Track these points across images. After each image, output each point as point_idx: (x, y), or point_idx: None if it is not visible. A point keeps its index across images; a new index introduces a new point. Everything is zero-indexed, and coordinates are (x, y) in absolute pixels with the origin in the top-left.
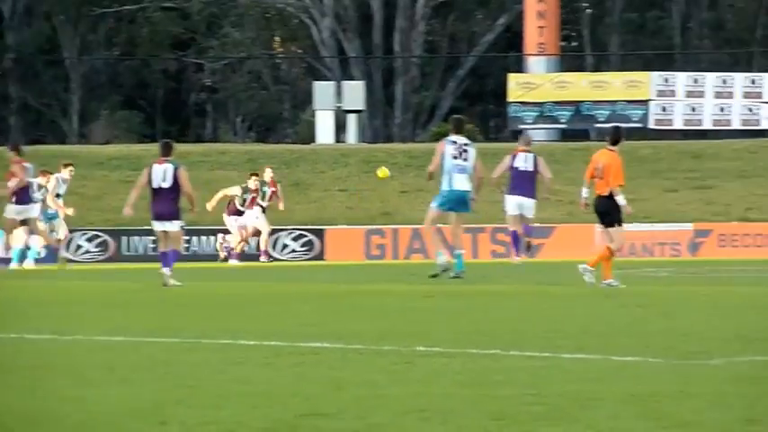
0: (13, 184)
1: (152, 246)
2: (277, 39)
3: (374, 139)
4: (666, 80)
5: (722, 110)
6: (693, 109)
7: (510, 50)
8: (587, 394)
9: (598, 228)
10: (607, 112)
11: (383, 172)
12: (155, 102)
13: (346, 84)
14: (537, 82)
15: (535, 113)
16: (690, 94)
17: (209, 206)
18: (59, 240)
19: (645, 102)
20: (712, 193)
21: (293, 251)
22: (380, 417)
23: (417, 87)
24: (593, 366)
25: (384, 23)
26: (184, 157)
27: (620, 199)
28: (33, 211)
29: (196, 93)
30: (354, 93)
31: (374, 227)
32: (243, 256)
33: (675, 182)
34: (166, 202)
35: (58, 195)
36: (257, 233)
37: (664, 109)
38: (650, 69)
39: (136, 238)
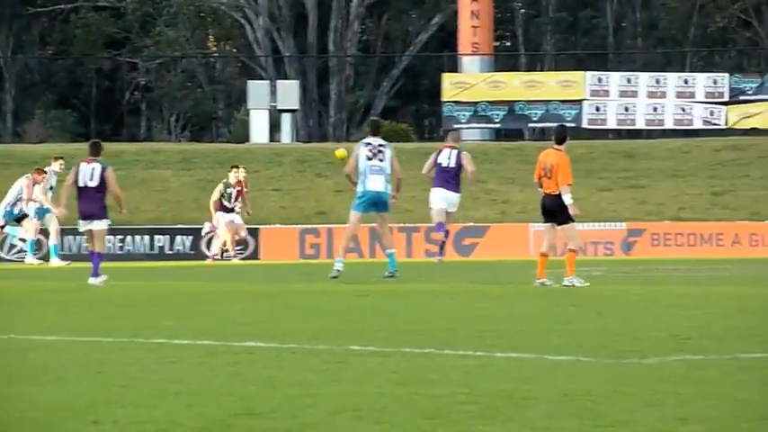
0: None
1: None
2: (211, 38)
3: (308, 139)
4: (600, 80)
5: (655, 110)
6: (627, 109)
7: (444, 50)
8: (521, 393)
9: (542, 227)
10: (541, 112)
11: (341, 152)
12: (89, 101)
13: (281, 83)
14: (471, 81)
15: (469, 113)
16: (623, 94)
17: (215, 219)
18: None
19: (578, 101)
20: (645, 192)
21: (228, 250)
22: (314, 416)
23: (352, 87)
24: (526, 365)
25: (318, 23)
26: (118, 156)
27: (567, 198)
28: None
29: (130, 92)
30: (289, 92)
31: (309, 226)
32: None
33: (609, 181)
34: (93, 201)
35: (51, 188)
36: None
37: (597, 109)
38: (584, 69)
39: (70, 237)
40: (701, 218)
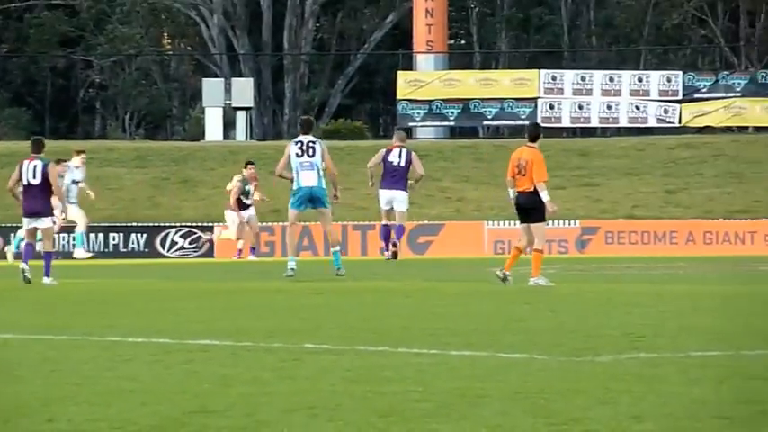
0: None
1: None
2: (166, 36)
3: (263, 137)
4: (554, 78)
5: (609, 108)
6: (581, 107)
7: (399, 48)
8: (475, 391)
9: (519, 225)
10: (495, 110)
11: None
12: (43, 99)
13: (235, 81)
14: (425, 80)
15: (424, 111)
16: (577, 92)
17: (229, 219)
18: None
19: (533, 99)
20: (599, 190)
21: (182, 248)
22: (268, 414)
23: (306, 85)
24: (480, 363)
25: (273, 21)
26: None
27: (545, 195)
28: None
29: (85, 90)
30: (243, 90)
31: (263, 224)
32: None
33: (563, 179)
34: (36, 199)
35: (75, 182)
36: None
37: (551, 107)
38: (538, 67)
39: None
40: (655, 216)
